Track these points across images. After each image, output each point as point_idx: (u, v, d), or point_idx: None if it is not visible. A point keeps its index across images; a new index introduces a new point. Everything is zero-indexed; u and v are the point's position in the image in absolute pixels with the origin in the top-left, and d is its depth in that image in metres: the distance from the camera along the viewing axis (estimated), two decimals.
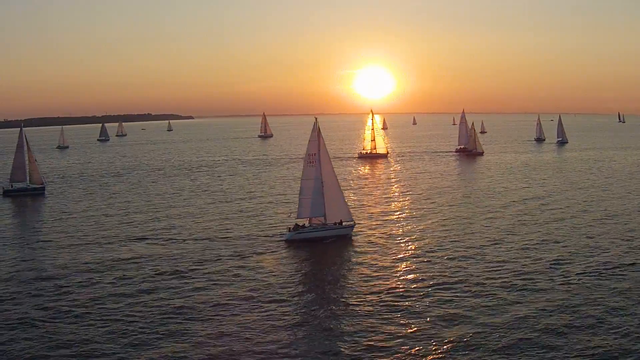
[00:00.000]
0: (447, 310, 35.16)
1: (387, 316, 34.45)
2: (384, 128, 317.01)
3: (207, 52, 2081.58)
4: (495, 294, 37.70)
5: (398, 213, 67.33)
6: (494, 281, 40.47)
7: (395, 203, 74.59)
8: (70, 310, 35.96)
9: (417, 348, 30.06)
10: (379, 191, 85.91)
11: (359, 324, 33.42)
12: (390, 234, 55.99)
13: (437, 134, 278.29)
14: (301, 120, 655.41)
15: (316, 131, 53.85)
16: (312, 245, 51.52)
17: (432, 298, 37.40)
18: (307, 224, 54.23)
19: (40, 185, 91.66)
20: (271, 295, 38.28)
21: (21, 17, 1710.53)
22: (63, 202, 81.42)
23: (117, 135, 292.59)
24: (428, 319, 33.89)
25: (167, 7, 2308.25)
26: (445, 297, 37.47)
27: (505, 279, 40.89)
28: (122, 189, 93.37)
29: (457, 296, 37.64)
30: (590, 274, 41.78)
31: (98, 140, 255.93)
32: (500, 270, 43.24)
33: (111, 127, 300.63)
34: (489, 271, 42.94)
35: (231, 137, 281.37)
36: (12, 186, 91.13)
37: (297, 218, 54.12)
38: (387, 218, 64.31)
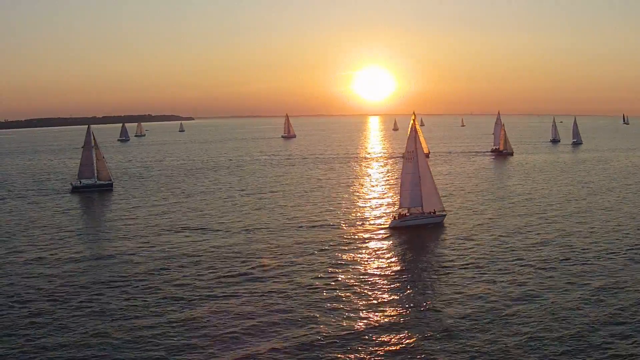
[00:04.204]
0: (532, 289, 39.28)
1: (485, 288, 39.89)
2: (395, 129, 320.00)
3: (206, 53, 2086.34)
4: (584, 282, 41.40)
5: (475, 205, 73.68)
6: (582, 267, 45.28)
7: (467, 197, 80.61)
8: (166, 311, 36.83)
9: (507, 327, 32.97)
10: (445, 187, 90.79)
11: (461, 297, 38.52)
12: (475, 223, 62.03)
13: (451, 135, 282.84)
14: (302, 121, 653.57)
15: (413, 130, 59.92)
16: (413, 231, 58.23)
17: (514, 275, 42.74)
18: (407, 213, 60.58)
19: (108, 182, 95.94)
20: (385, 272, 44.71)
21: (20, 17, 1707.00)
22: (134, 198, 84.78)
23: (136, 136, 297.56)
24: (510, 293, 38.61)
25: (164, 9, 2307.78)
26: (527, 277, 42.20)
27: (599, 268, 45.28)
28: (191, 185, 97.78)
29: (538, 277, 42.26)
30: None
31: (118, 140, 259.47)
32: (590, 256, 49.08)
33: (129, 127, 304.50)
34: (575, 256, 48.54)
35: (253, 137, 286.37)
36: (80, 182, 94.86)
37: (399, 207, 60.66)
38: (468, 209, 70.34)
